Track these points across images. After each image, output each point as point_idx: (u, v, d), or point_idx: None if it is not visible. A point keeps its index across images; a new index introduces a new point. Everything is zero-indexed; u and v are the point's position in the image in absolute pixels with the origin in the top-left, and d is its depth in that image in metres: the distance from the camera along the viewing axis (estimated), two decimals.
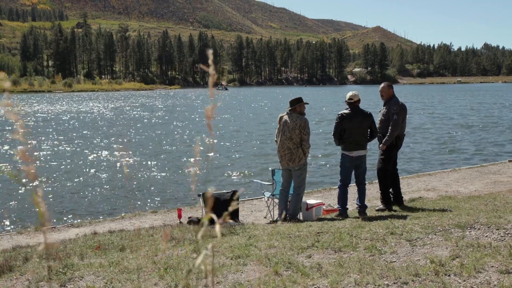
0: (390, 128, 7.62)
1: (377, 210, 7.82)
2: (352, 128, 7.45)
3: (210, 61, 1.07)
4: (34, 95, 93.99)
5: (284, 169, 7.77)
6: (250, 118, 38.50)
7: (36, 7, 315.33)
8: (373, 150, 11.94)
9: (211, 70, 1.05)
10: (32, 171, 0.97)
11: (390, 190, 8.06)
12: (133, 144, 23.86)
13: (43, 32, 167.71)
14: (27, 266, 5.07)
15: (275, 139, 7.84)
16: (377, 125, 7.77)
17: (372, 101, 48.26)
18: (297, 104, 7.61)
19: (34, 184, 0.98)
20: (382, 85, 7.98)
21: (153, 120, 37.90)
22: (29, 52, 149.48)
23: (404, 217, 6.56)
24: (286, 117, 7.63)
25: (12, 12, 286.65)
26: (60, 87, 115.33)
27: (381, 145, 7.77)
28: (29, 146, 0.98)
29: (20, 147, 0.98)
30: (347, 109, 7.62)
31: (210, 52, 1.11)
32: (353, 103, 7.57)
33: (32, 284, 4.26)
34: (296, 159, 7.52)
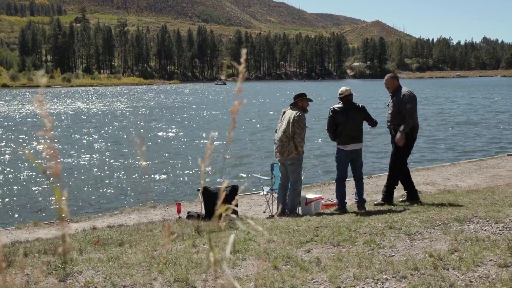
0: (406, 117, 7.31)
1: (376, 205, 7.76)
2: (345, 121, 7.45)
3: (242, 60, 1.09)
4: (33, 90, 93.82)
5: (281, 163, 7.80)
6: (246, 113, 38.45)
7: (34, 1, 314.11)
8: (371, 147, 11.93)
9: (241, 68, 1.08)
10: (57, 167, 0.98)
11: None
12: (132, 140, 23.83)
13: (41, 27, 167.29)
14: (26, 261, 5.07)
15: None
16: (388, 119, 7.56)
17: (372, 96, 48.21)
18: (298, 99, 7.66)
19: (57, 180, 1.00)
20: (386, 77, 7.77)
21: (150, 116, 37.88)
22: (27, 47, 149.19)
23: (403, 211, 6.57)
24: (286, 111, 7.71)
25: (10, 6, 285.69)
26: (59, 82, 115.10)
27: (397, 136, 7.33)
28: (55, 143, 1.00)
29: (46, 144, 0.99)
30: (339, 103, 7.62)
31: (244, 51, 1.14)
32: (345, 97, 7.57)
33: (31, 279, 4.26)
34: (286, 152, 7.53)
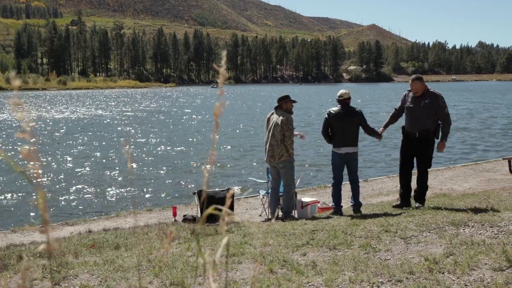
0: (444, 122, 7.15)
1: (395, 207, 7.47)
2: (339, 125, 7.46)
3: (223, 62, 1.10)
4: (28, 93, 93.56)
5: (271, 166, 7.80)
6: (241, 116, 38.47)
7: (30, 4, 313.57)
8: (368, 151, 11.94)
9: (222, 70, 1.09)
10: (37, 169, 0.99)
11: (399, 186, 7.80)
12: (127, 142, 23.79)
13: (37, 30, 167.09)
14: (21, 264, 5.05)
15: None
16: (412, 122, 7.23)
17: (369, 99, 48.21)
18: (283, 101, 7.67)
19: (37, 182, 1.01)
20: (415, 80, 7.22)
21: (145, 120, 37.84)
22: (23, 50, 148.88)
23: (399, 215, 6.58)
24: (271, 116, 7.71)
25: (6, 9, 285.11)
26: (55, 85, 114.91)
27: (439, 143, 7.18)
28: (34, 145, 1.00)
29: (25, 146, 1.00)
30: (337, 106, 7.62)
31: (224, 53, 1.15)
32: (343, 100, 7.58)
33: (26, 282, 4.24)
34: (276, 156, 7.55)
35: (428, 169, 7.46)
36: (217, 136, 1.15)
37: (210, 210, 1.12)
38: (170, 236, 1.22)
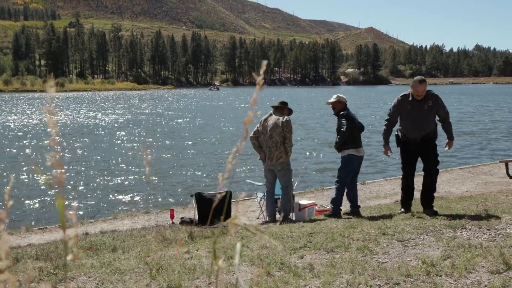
0: (447, 121, 7.07)
1: (400, 213, 7.13)
2: (355, 127, 7.46)
3: (262, 71, 1.11)
4: (26, 94, 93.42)
5: (267, 169, 7.76)
6: (239, 116, 38.48)
7: (28, 6, 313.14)
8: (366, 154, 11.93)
9: (259, 79, 1.10)
10: (61, 177, 1.00)
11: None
12: (126, 144, 23.79)
13: (35, 32, 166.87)
14: (18, 267, 5.03)
15: (251, 135, 7.76)
16: (421, 126, 6.95)
17: (371, 103, 48.19)
18: (285, 107, 7.69)
19: (59, 189, 1.01)
20: (421, 83, 6.82)
21: (141, 123, 37.83)
22: (21, 51, 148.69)
23: (396, 218, 6.58)
24: (269, 117, 7.68)
25: (3, 11, 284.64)
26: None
27: (447, 143, 7.15)
28: (59, 153, 1.01)
29: (52, 153, 1.00)
30: (345, 109, 7.61)
31: (264, 63, 1.17)
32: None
33: (23, 285, 4.22)
34: (274, 158, 7.54)
35: (438, 168, 7.18)
36: (243, 144, 1.13)
37: (233, 218, 1.11)
38: (180, 244, 1.22)
